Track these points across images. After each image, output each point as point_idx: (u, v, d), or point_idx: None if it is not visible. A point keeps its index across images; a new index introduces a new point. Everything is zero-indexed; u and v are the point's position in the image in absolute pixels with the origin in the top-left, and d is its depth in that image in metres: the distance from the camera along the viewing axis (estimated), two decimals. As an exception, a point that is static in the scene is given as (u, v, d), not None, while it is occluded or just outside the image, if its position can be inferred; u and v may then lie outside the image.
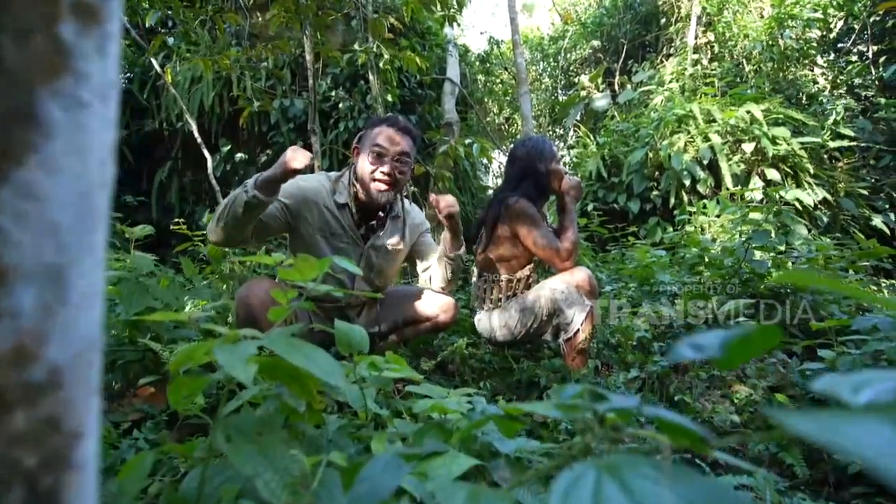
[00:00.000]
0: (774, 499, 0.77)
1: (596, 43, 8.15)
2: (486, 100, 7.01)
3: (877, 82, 5.45)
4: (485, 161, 5.75)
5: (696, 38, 6.38)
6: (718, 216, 3.41)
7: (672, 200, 4.33)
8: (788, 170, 4.21)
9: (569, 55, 8.61)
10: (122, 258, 1.77)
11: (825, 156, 4.55)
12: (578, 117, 7.07)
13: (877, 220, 4.22)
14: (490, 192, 5.17)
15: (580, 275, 1.60)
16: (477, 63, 6.24)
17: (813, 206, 4.01)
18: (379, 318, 1.61)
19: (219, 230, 1.31)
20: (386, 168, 1.45)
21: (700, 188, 4.21)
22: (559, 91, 8.74)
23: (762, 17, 6.08)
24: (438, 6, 2.63)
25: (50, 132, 0.17)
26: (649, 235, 4.20)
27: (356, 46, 3.17)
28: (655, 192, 4.49)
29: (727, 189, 3.99)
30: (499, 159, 6.63)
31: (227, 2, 4.43)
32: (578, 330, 1.55)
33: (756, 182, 4.12)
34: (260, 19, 4.44)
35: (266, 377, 0.57)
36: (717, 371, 1.58)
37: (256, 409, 0.65)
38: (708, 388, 1.54)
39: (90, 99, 0.19)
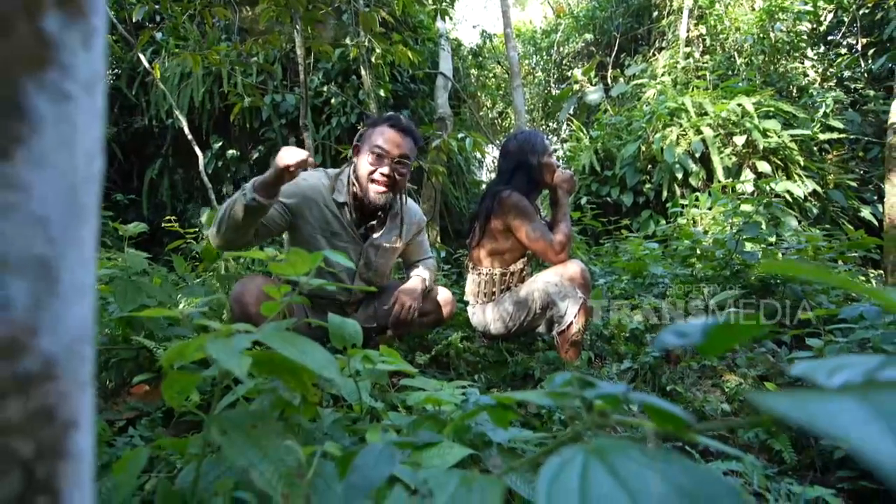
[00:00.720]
0: (761, 483, 0.79)
1: (588, 36, 8.15)
2: (478, 94, 7.00)
3: (866, 75, 5.50)
4: (478, 155, 5.75)
5: (687, 31, 6.40)
6: (710, 209, 3.44)
7: (665, 193, 4.36)
8: (779, 162, 4.25)
9: (561, 49, 8.61)
10: (115, 256, 1.76)
11: (815, 148, 4.59)
12: (571, 111, 7.07)
13: (865, 212, 4.28)
14: (483, 186, 5.17)
15: (573, 268, 1.61)
16: (469, 57, 6.22)
17: (803, 197, 4.06)
18: (376, 313, 1.61)
19: (220, 236, 1.28)
20: (385, 169, 1.44)
21: (692, 181, 4.24)
22: (552, 85, 8.73)
23: (753, 9, 6.10)
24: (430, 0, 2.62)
25: (36, 125, 0.17)
26: (642, 228, 4.23)
27: (348, 41, 3.14)
28: (648, 185, 4.52)
29: (719, 182, 4.02)
30: (492, 153, 6.63)
31: (215, -4, 4.37)
32: (572, 322, 1.56)
33: (747, 174, 4.16)
34: (249, 14, 4.38)
35: (261, 372, 0.57)
36: (708, 361, 1.60)
37: (251, 404, 0.65)
38: (699, 378, 1.56)
39: (76, 92, 0.19)
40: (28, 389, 0.17)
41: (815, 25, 5.90)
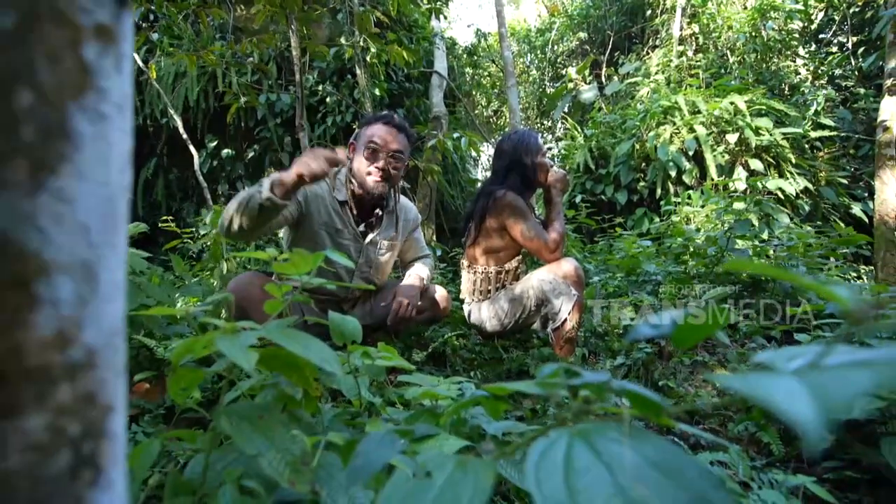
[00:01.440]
0: (746, 472, 0.82)
1: (583, 35, 8.18)
2: (473, 93, 7.02)
3: (856, 73, 5.57)
4: (473, 154, 5.76)
5: (681, 29, 6.44)
6: (703, 206, 3.48)
7: (658, 191, 4.40)
8: (771, 160, 4.30)
9: (556, 47, 8.64)
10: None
11: (806, 146, 4.65)
12: (566, 109, 7.11)
13: (856, 208, 4.34)
14: (479, 184, 5.20)
15: (567, 266, 1.64)
16: (464, 56, 6.24)
17: (794, 195, 4.11)
18: (373, 311, 1.63)
19: (234, 227, 1.25)
20: (380, 164, 1.48)
21: (686, 179, 4.29)
22: (547, 83, 8.77)
23: (745, 8, 6.15)
24: (425, -1, 2.63)
25: (79, 144, 0.20)
26: (636, 226, 4.27)
27: (343, 40, 3.15)
28: (642, 184, 4.56)
29: (712, 179, 4.07)
30: (487, 152, 6.65)
31: (210, -5, 4.36)
32: (566, 319, 1.59)
33: (740, 172, 4.20)
34: (244, 13, 4.38)
35: (264, 367, 0.59)
36: (700, 357, 1.64)
37: (254, 399, 0.67)
38: (691, 373, 1.60)
39: (110, 111, 0.22)
40: (75, 376, 0.19)
41: (806, 24, 5.96)
